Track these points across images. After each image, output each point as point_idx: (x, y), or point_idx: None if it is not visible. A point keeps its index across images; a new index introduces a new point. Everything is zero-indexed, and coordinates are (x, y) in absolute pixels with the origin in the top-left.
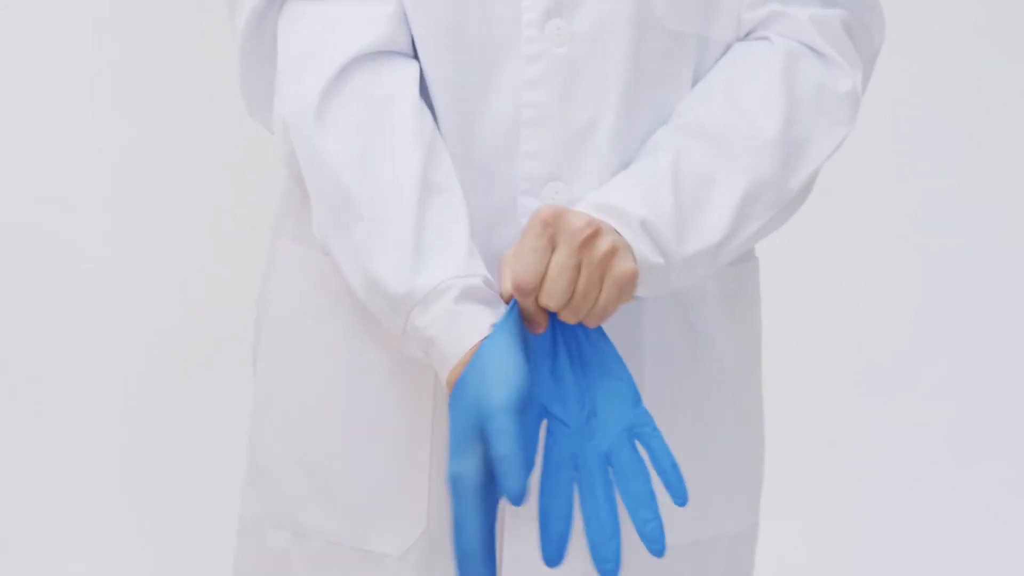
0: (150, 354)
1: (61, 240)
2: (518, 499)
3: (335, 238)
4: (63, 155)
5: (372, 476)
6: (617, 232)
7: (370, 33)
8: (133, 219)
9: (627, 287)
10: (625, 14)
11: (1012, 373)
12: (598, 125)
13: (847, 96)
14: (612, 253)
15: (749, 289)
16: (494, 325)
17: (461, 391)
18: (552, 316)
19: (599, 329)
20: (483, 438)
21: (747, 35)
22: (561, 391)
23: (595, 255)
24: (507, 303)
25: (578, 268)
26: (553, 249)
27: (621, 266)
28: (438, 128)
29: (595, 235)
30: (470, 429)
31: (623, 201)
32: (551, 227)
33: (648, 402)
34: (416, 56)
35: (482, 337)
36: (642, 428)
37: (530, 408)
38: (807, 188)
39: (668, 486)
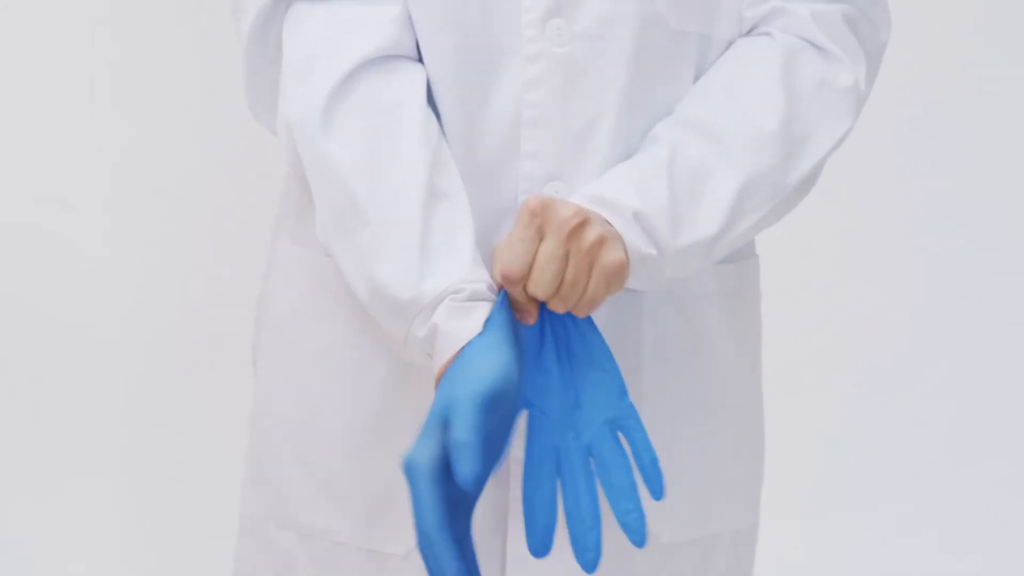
0: (150, 354)
1: (61, 240)
2: (472, 486)
3: (339, 242)
4: (63, 155)
5: (375, 476)
6: (608, 223)
7: (377, 37)
8: (133, 219)
9: (616, 276)
10: (628, 13)
11: (1012, 373)
12: (598, 125)
13: (848, 90)
14: (600, 242)
15: (749, 287)
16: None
17: (442, 385)
18: (543, 307)
19: (589, 320)
20: (444, 426)
21: (749, 32)
22: (545, 382)
23: (583, 244)
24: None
25: (566, 257)
26: (541, 239)
27: (609, 255)
28: (442, 130)
29: (583, 224)
30: (435, 417)
31: (616, 193)
32: (539, 216)
33: (648, 400)
34: (421, 58)
35: (473, 334)
36: (625, 420)
37: (511, 401)
38: (808, 182)
39: (646, 480)
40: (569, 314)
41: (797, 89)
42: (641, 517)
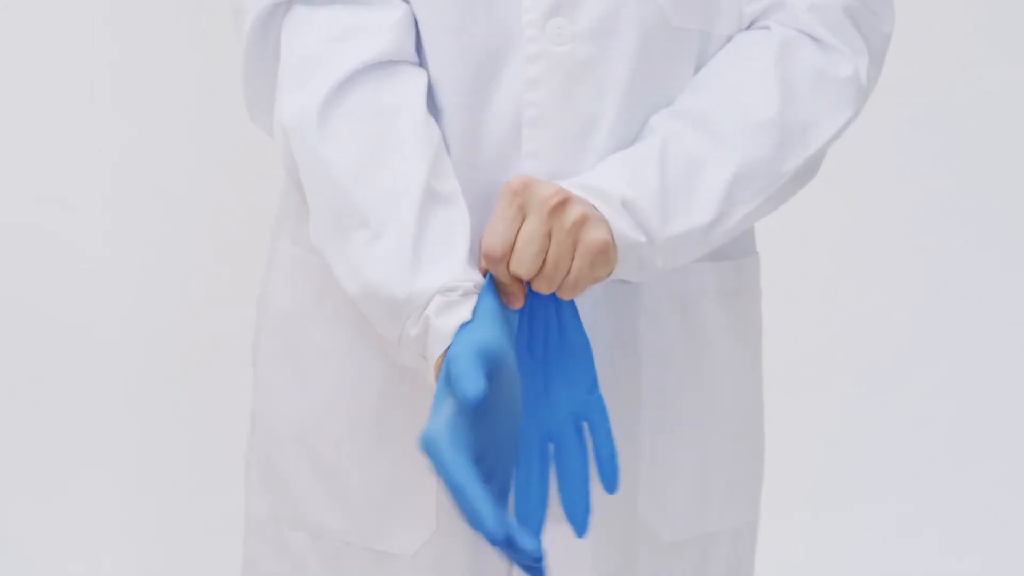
0: (150, 354)
1: (61, 240)
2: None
3: (333, 245)
4: (63, 155)
5: (381, 477)
6: (593, 207)
7: (378, 42)
8: (133, 219)
9: (600, 256)
10: (629, 12)
11: (1012, 373)
12: (599, 124)
13: (848, 81)
14: (583, 221)
15: (750, 285)
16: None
17: (441, 370)
18: (529, 294)
19: (573, 309)
20: (449, 389)
21: (748, 27)
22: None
23: (565, 223)
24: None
25: (548, 236)
26: (524, 218)
27: (592, 234)
28: (443, 130)
29: (564, 203)
30: (440, 395)
31: (605, 181)
32: (520, 196)
33: (647, 398)
34: (422, 61)
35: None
36: (591, 413)
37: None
38: (807, 172)
39: (601, 473)
40: (553, 300)
41: (793, 79)
42: (586, 510)
